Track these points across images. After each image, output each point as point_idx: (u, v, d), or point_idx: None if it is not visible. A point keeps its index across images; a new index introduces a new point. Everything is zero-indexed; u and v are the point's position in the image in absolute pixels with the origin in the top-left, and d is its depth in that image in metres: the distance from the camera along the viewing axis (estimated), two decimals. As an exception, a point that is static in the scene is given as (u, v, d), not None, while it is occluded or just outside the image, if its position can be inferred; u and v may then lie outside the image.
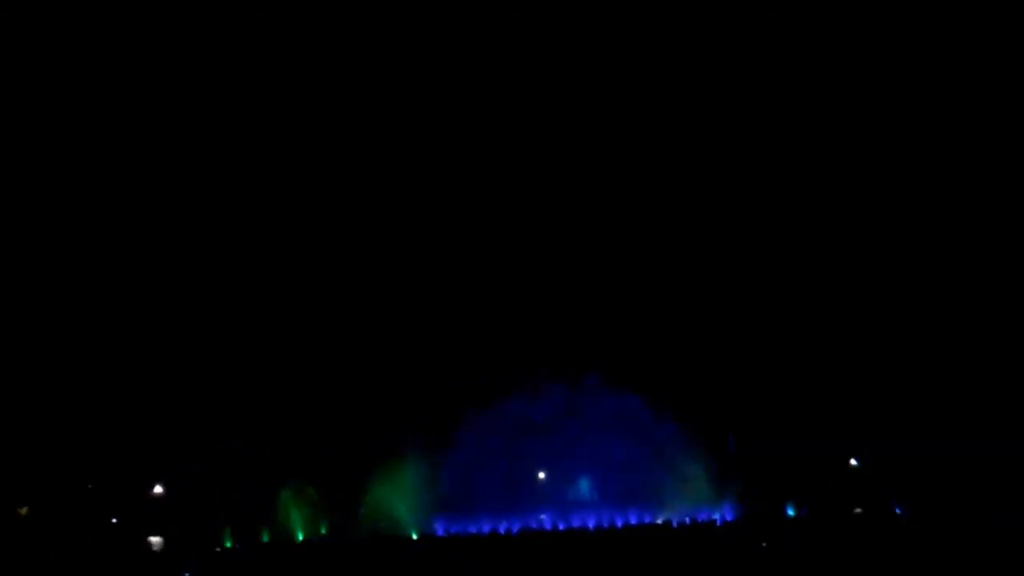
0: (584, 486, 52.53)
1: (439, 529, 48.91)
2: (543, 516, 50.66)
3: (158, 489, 45.89)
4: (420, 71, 56.50)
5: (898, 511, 54.24)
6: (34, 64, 49.94)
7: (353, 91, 56.29)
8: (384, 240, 55.91)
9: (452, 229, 56.17)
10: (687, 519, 50.90)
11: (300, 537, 47.13)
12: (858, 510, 54.37)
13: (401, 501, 49.71)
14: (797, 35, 55.54)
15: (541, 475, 52.83)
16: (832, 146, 58.22)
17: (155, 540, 44.97)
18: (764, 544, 42.55)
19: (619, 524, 50.23)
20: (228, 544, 45.47)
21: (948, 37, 54.33)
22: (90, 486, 44.70)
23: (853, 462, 56.52)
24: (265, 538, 46.41)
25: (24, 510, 44.09)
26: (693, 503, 51.84)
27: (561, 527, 49.85)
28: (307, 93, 55.64)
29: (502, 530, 48.79)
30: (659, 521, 50.66)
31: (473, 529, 48.31)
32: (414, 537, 48.04)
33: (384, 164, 56.74)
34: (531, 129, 57.80)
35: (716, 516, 52.02)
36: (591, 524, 50.36)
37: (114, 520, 44.18)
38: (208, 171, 54.23)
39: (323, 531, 47.66)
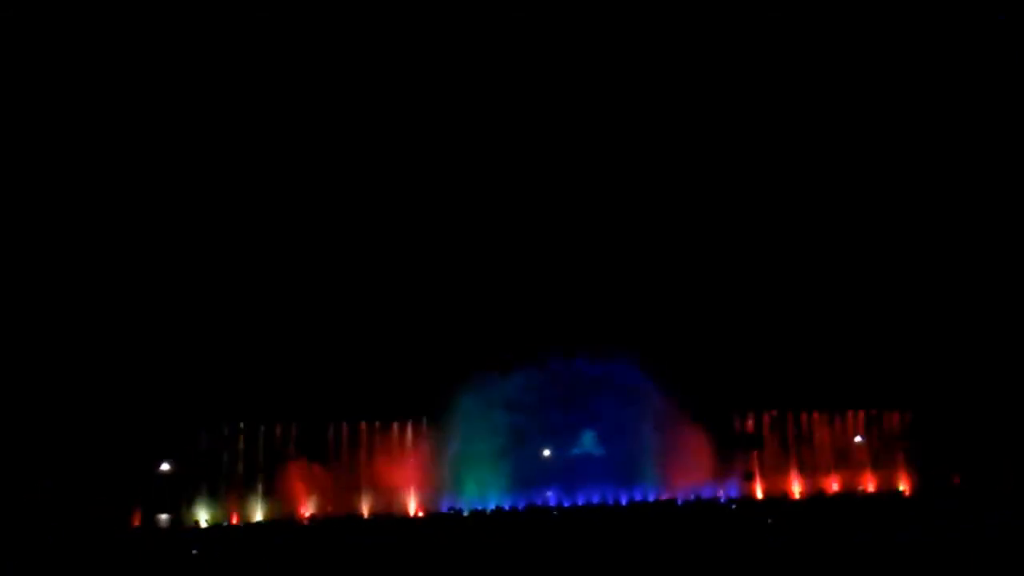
0: (588, 439, 52.59)
1: (443, 506, 49.06)
2: (549, 493, 50.84)
3: (165, 467, 46.07)
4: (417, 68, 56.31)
5: (902, 488, 54.60)
6: (34, 64, 49.68)
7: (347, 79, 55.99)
8: (384, 220, 55.83)
9: (453, 207, 56.07)
10: (692, 496, 51.14)
11: (306, 514, 47.37)
12: (863, 488, 54.67)
13: (405, 477, 49.93)
14: (797, 35, 55.49)
15: (546, 452, 52.94)
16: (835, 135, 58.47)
17: (163, 518, 45.22)
18: (769, 521, 42.71)
19: (624, 502, 50.46)
20: (235, 522, 45.79)
21: (947, 37, 54.31)
22: (97, 464, 44.78)
23: (858, 439, 56.72)
24: (272, 516, 46.65)
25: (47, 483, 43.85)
26: (698, 481, 52.05)
27: (567, 504, 50.06)
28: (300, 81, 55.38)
29: (507, 507, 49.00)
30: (664, 498, 50.92)
31: (478, 506, 48.47)
32: (419, 515, 48.25)
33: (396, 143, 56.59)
34: (539, 120, 57.68)
35: (721, 494, 52.22)
36: (596, 501, 50.57)
37: (122, 497, 44.30)
38: (210, 162, 54.04)
39: (329, 509, 47.86)
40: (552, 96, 57.29)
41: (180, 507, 45.42)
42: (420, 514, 48.42)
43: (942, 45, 53.96)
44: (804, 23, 54.27)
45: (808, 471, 54.71)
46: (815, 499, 51.94)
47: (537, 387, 51.62)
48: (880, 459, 55.96)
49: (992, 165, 56.36)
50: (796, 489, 53.73)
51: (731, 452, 54.27)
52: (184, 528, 44.58)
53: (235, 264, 53.03)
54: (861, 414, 56.85)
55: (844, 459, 55.75)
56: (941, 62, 55.07)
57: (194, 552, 37.12)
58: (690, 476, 52.11)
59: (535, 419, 51.29)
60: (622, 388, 52.35)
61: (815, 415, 56.31)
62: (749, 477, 53.05)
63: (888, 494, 53.51)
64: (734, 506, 47.09)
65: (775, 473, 54.33)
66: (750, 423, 55.26)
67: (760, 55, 56.49)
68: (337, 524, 45.82)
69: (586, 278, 55.22)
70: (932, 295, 57.33)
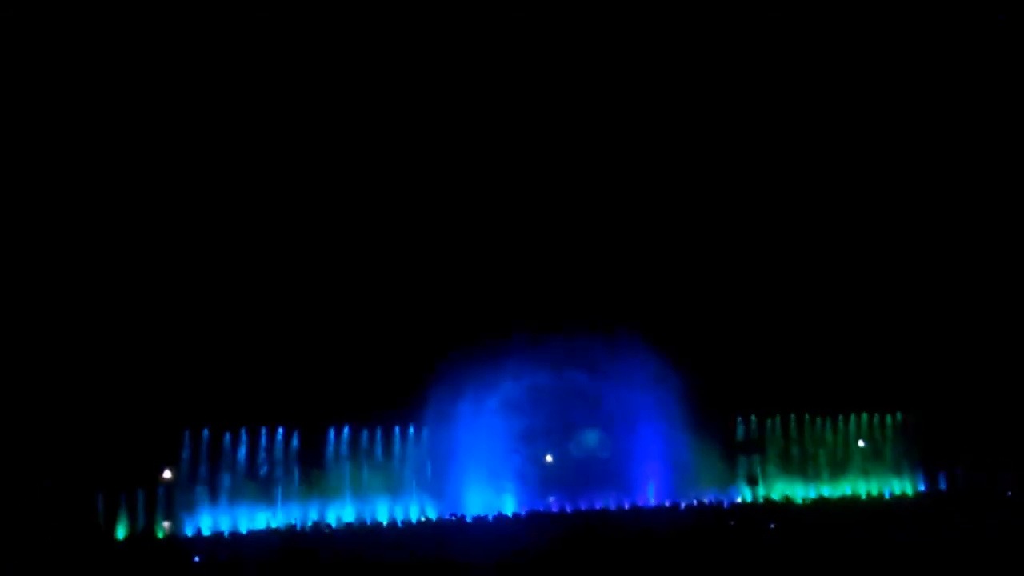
0: (592, 439, 52.51)
1: (446, 512, 48.96)
2: (551, 499, 50.74)
3: (167, 474, 46.06)
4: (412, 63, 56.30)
5: (910, 491, 54.54)
6: (34, 64, 49.77)
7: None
8: (383, 219, 55.80)
9: (453, 208, 56.04)
10: (695, 501, 51.02)
11: (308, 522, 47.28)
12: (866, 493, 54.57)
13: (405, 483, 49.87)
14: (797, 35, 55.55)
15: (548, 458, 52.84)
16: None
17: (165, 524, 45.19)
18: (772, 526, 42.58)
19: (626, 506, 50.37)
20: (238, 528, 45.75)
21: (947, 37, 54.37)
22: (99, 470, 44.76)
23: (861, 443, 56.65)
24: (273, 523, 46.60)
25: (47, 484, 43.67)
26: (702, 485, 51.99)
27: (569, 510, 49.97)
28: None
29: (509, 513, 48.92)
30: (667, 503, 50.83)
31: (480, 511, 48.38)
32: (421, 519, 48.17)
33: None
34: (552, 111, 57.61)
35: (724, 498, 52.11)
36: (599, 506, 50.48)
37: (123, 503, 44.28)
38: (205, 163, 54.13)
39: (328, 515, 47.79)
40: (550, 86, 57.32)
41: (182, 514, 45.41)
42: (422, 519, 48.34)
43: (942, 45, 54.01)
44: (804, 23, 54.32)
45: (811, 475, 54.68)
46: (818, 503, 51.85)
47: (539, 390, 51.60)
48: (883, 462, 55.93)
49: (992, 165, 56.43)
50: (799, 494, 53.63)
51: (735, 457, 54.25)
52: (184, 534, 44.59)
53: (235, 270, 53.05)
54: (864, 417, 56.80)
55: (847, 463, 55.74)
56: (941, 62, 55.12)
57: (196, 560, 37.05)
58: (693, 481, 52.07)
59: (537, 422, 51.27)
60: (625, 393, 52.34)
61: (818, 419, 56.28)
62: (753, 482, 52.92)
63: (891, 498, 53.46)
64: (733, 522, 46.38)
65: (778, 478, 54.31)
66: (753, 428, 55.23)
67: (761, 55, 56.56)
68: (338, 531, 45.75)
69: (591, 283, 55.21)
70: (933, 298, 57.33)
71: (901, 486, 55.20)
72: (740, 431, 55.11)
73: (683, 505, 50.33)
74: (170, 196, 52.94)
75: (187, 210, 53.08)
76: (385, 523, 47.29)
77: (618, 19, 55.37)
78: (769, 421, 55.38)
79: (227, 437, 47.58)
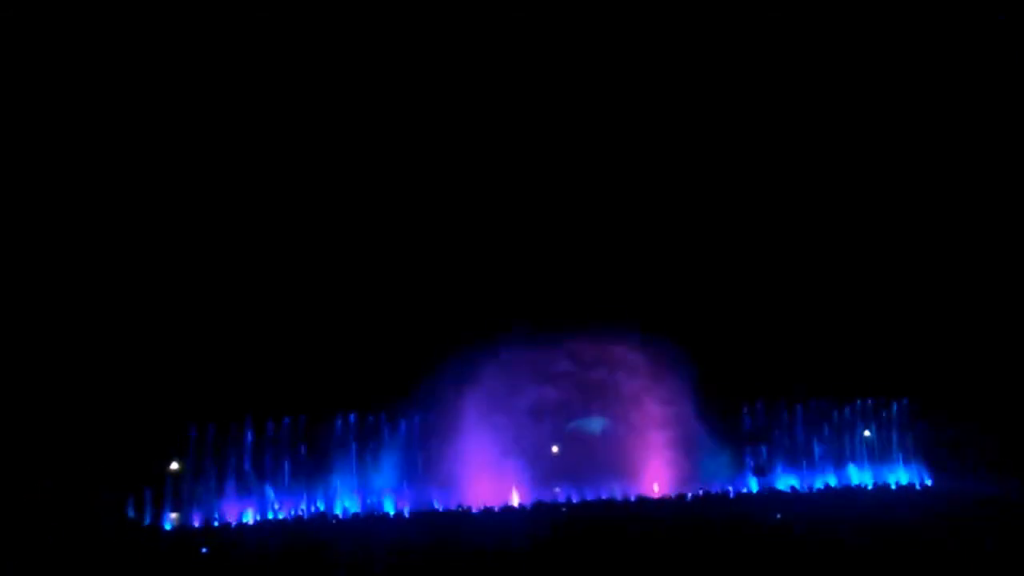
0: (596, 425, 52.59)
1: (451, 503, 49.01)
2: (557, 489, 50.77)
3: (174, 466, 46.23)
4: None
5: (917, 481, 54.43)
6: (34, 64, 49.82)
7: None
8: (385, 212, 55.87)
9: (458, 192, 56.09)
10: (700, 491, 50.99)
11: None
12: (873, 482, 54.50)
13: (412, 474, 49.97)
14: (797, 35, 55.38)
15: (555, 448, 52.88)
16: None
17: (173, 516, 45.38)
18: (779, 516, 42.54)
19: (632, 497, 50.36)
20: (245, 519, 45.95)
21: (947, 37, 54.14)
22: (107, 462, 44.94)
23: (867, 433, 56.58)
24: (280, 514, 46.74)
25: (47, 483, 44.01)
26: (708, 475, 52.00)
27: (575, 500, 50.01)
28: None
29: (516, 504, 48.96)
30: (673, 494, 50.81)
31: (487, 502, 48.41)
32: (428, 511, 48.25)
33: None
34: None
35: (730, 488, 52.11)
36: (604, 496, 50.50)
37: (132, 496, 44.45)
38: (207, 161, 54.23)
39: (335, 506, 47.95)
40: (550, 81, 57.24)
41: (189, 505, 45.58)
42: (428, 511, 48.40)
43: (942, 45, 53.81)
44: (804, 23, 54.14)
45: (818, 465, 54.67)
46: (824, 493, 51.82)
47: (545, 380, 51.65)
48: (889, 451, 55.89)
49: (991, 162, 56.27)
50: (806, 484, 53.59)
51: (742, 447, 54.26)
52: (194, 526, 44.74)
53: (234, 262, 53.21)
54: (871, 405, 56.74)
55: (854, 453, 55.71)
56: (941, 62, 54.92)
57: (204, 551, 37.13)
58: (700, 471, 52.08)
59: (543, 412, 51.32)
60: (631, 382, 52.33)
61: (824, 407, 56.24)
62: (760, 472, 52.93)
63: (898, 487, 53.38)
64: (739, 513, 46.12)
65: (785, 467, 54.33)
66: (760, 416, 55.21)
67: (762, 55, 56.44)
68: (345, 521, 45.86)
69: (597, 271, 55.26)
70: (941, 285, 57.21)
71: (908, 477, 55.11)
72: (747, 421, 55.07)
73: (689, 495, 50.30)
74: (173, 193, 53.10)
75: (190, 207, 53.25)
76: (392, 514, 47.34)
77: (617, 18, 55.31)
78: (776, 410, 55.33)
79: (233, 428, 47.65)
